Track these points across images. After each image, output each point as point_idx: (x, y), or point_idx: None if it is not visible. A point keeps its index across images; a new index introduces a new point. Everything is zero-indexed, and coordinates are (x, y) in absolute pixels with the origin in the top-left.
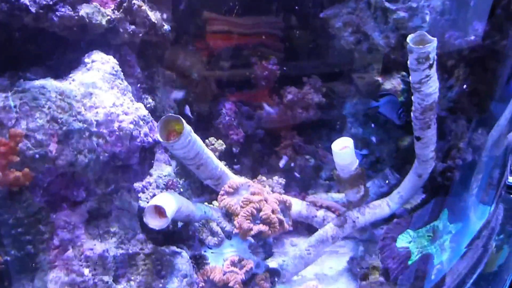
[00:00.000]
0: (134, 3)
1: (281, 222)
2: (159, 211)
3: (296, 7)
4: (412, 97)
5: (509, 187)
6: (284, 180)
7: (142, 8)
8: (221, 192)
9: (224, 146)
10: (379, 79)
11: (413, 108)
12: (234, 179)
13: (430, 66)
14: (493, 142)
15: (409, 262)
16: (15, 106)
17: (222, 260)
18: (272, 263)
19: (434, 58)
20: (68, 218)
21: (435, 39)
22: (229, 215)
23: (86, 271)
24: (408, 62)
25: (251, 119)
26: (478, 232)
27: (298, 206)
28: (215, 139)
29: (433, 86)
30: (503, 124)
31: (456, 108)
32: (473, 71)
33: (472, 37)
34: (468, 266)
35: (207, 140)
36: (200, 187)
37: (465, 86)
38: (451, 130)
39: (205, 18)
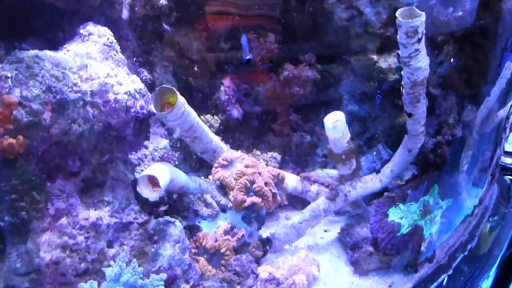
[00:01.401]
0: None
1: (274, 195)
2: (153, 181)
3: None
4: (402, 72)
5: (503, 168)
6: (280, 155)
7: None
8: (215, 164)
9: (219, 122)
10: (375, 57)
11: (402, 83)
12: (229, 153)
13: (419, 40)
14: (483, 118)
15: (398, 234)
16: (10, 75)
17: (215, 230)
18: (265, 233)
19: (423, 32)
20: (62, 187)
21: (423, 13)
22: (223, 188)
23: (79, 237)
24: (398, 36)
25: (248, 96)
26: (471, 210)
27: (293, 181)
28: (211, 116)
29: (422, 61)
30: (492, 101)
31: (446, 84)
32: (462, 47)
33: (460, 13)
34: (459, 241)
35: (202, 117)
36: (197, 162)
37: (454, 61)
38: (441, 106)
39: None
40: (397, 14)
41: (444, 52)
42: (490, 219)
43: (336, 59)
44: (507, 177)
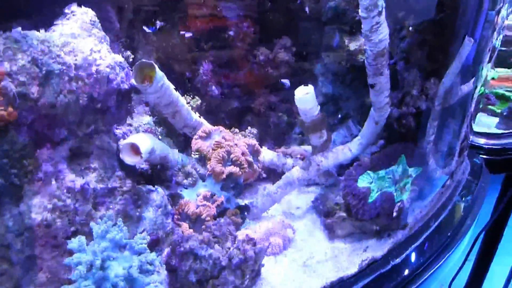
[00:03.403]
0: None
1: (250, 163)
2: (135, 150)
3: None
4: (364, 45)
5: (476, 147)
6: (256, 130)
7: None
8: (195, 136)
9: (200, 101)
10: (345, 40)
11: (365, 55)
12: (207, 125)
13: (379, 13)
14: (446, 90)
15: (370, 200)
16: None
17: (195, 197)
18: (243, 203)
19: (383, 6)
20: (51, 154)
21: None
22: (203, 159)
23: (68, 200)
24: (359, 10)
25: (227, 79)
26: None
27: (270, 155)
28: (191, 97)
29: (383, 33)
30: (454, 72)
31: (408, 58)
32: (423, 22)
33: None
34: (432, 211)
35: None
36: (183, 142)
37: (415, 36)
38: (404, 79)
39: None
40: None
41: (406, 27)
42: (464, 199)
43: (310, 46)
44: (481, 156)
